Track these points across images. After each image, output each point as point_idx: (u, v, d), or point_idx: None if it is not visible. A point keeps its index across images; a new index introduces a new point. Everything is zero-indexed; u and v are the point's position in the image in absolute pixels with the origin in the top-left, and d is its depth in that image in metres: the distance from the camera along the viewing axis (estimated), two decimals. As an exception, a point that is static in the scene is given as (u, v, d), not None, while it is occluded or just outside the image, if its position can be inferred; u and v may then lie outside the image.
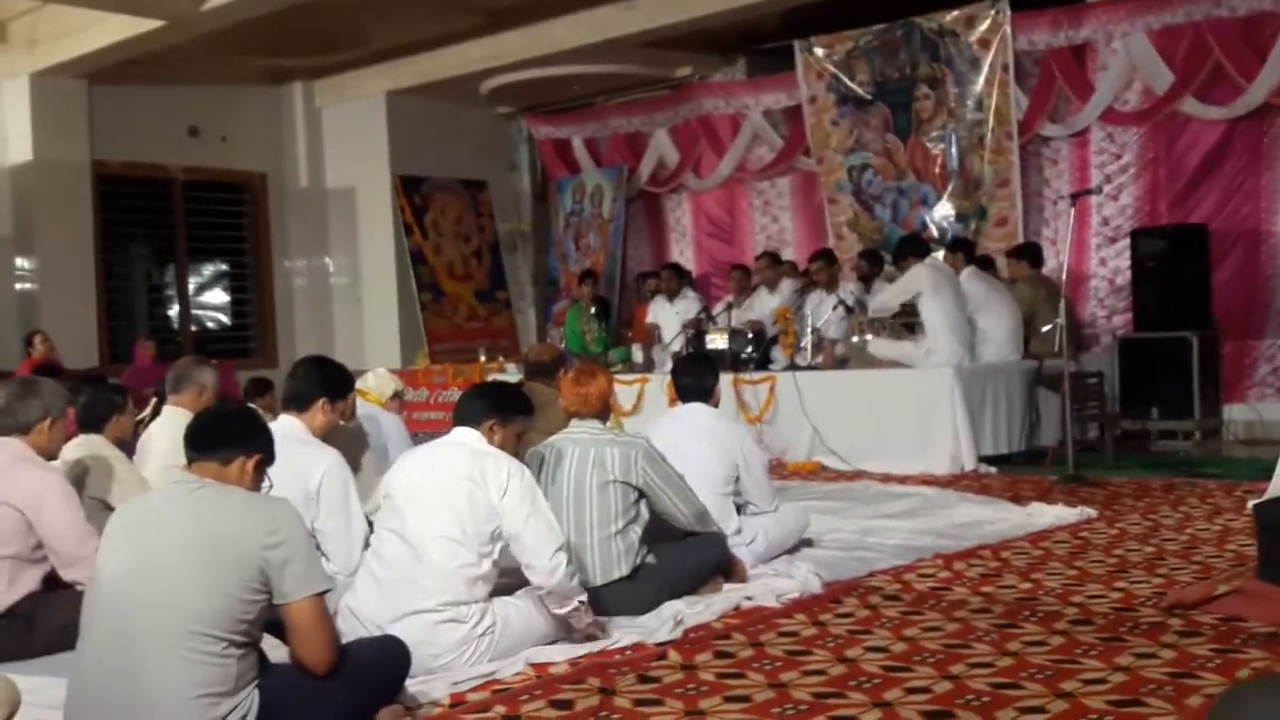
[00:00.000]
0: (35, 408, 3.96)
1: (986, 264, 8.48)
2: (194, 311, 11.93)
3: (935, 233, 9.36)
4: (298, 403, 4.14)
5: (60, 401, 4.05)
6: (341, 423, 4.45)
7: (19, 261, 10.34)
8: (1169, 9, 8.41)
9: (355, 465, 4.43)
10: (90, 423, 4.50)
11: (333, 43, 10.69)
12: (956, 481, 6.79)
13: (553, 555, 3.48)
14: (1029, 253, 8.47)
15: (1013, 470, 7.12)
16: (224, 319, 12.38)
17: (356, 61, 11.37)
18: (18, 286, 10.35)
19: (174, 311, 11.84)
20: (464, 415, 3.71)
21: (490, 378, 9.36)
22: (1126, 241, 8.55)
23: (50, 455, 4.02)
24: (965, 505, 5.98)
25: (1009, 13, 8.85)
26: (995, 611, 3.89)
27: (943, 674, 3.25)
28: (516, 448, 3.79)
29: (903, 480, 6.92)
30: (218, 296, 12.34)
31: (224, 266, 12.24)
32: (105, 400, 4.60)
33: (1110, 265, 8.89)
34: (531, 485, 3.57)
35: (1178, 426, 7.93)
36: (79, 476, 4.23)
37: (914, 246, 7.98)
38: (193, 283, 11.94)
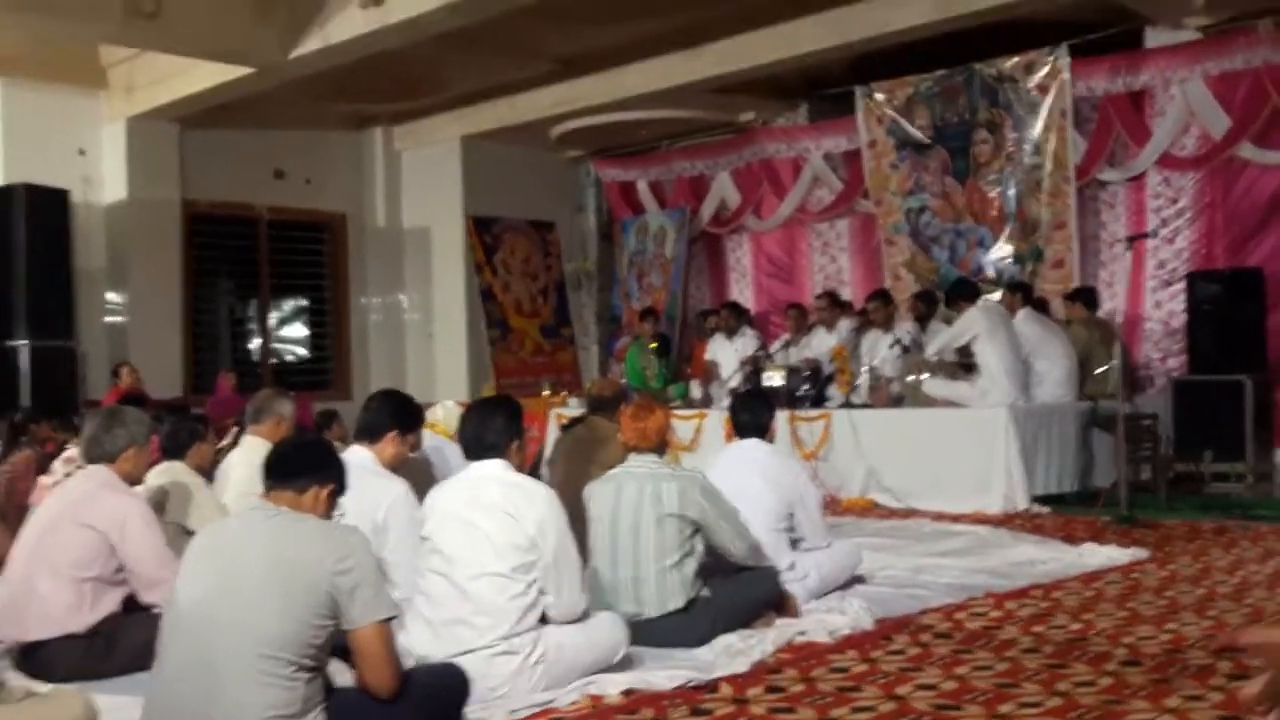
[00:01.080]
0: (121, 437, 4.08)
1: (1041, 306, 8.56)
2: (274, 345, 12.29)
3: (992, 274, 9.45)
4: (370, 434, 4.21)
5: (144, 430, 4.16)
6: (410, 454, 4.55)
7: (110, 295, 10.75)
8: (1227, 55, 8.48)
9: (422, 495, 4.55)
10: (173, 450, 4.63)
11: (412, 89, 11.08)
12: (1009, 521, 6.78)
13: (582, 590, 3.64)
14: (1084, 296, 8.55)
15: (1066, 510, 7.10)
16: (302, 352, 12.73)
17: (434, 107, 11.77)
18: (108, 320, 10.75)
19: (255, 345, 12.21)
20: (485, 445, 3.67)
21: (553, 412, 9.66)
22: (1182, 285, 8.58)
23: (135, 481, 4.15)
24: (1018, 545, 5.99)
25: (1068, 59, 8.97)
26: (1045, 651, 3.90)
27: (992, 713, 3.25)
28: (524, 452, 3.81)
29: (955, 519, 6.91)
30: (297, 330, 12.69)
31: (304, 302, 12.61)
32: (188, 429, 4.73)
33: (1165, 308, 8.91)
34: (562, 511, 3.61)
35: (1230, 469, 7.86)
36: (160, 502, 4.34)
37: (965, 289, 8.07)
38: (273, 317, 12.30)
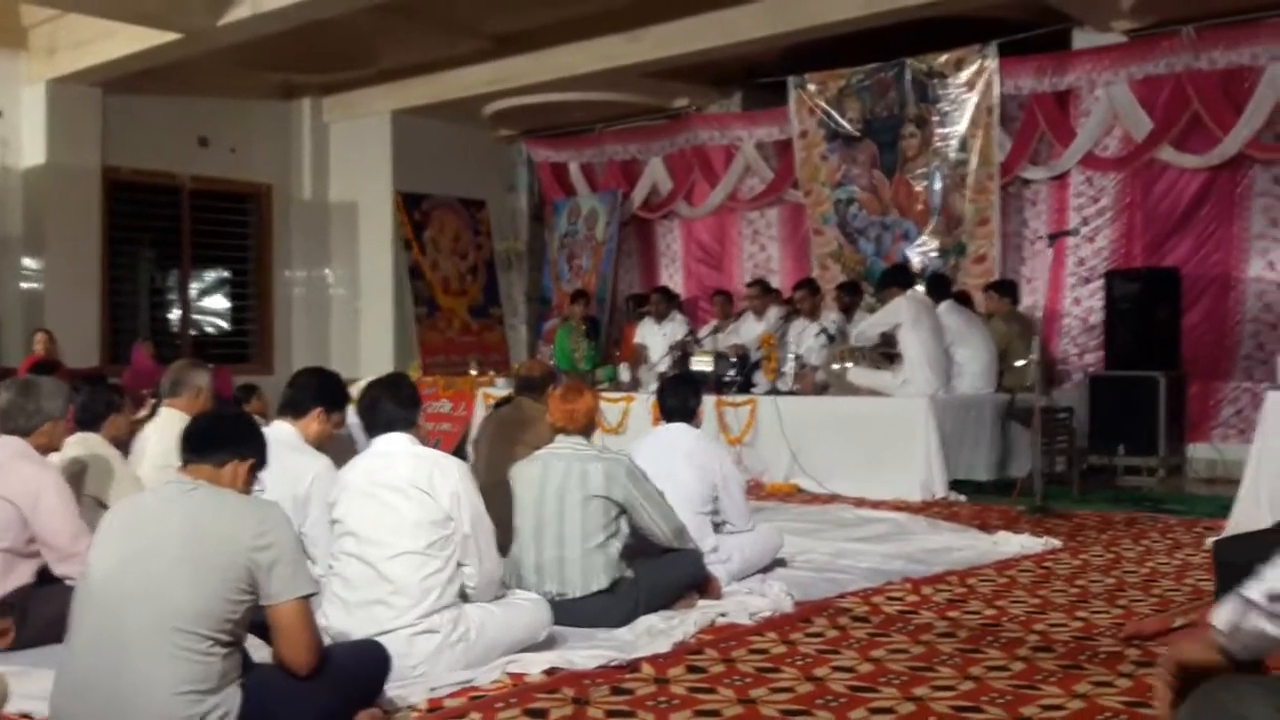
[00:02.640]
0: (36, 413, 4.03)
1: (964, 299, 8.71)
2: (194, 316, 12.09)
3: (916, 267, 9.60)
4: (294, 409, 4.19)
5: (61, 403, 4.11)
6: (335, 431, 4.52)
7: (26, 261, 10.51)
8: (1151, 59, 8.65)
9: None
10: (88, 421, 4.54)
11: (342, 61, 10.94)
12: (927, 508, 6.88)
13: (497, 560, 3.65)
14: (1005, 288, 8.72)
15: (982, 499, 7.23)
16: (224, 324, 12.52)
17: (365, 80, 11.64)
18: (24, 285, 10.51)
19: (175, 315, 12.00)
20: (382, 419, 3.67)
21: (480, 391, 9.62)
22: (1101, 282, 8.75)
23: (50, 451, 4.10)
24: (935, 532, 6.09)
25: (996, 57, 9.11)
26: (960, 636, 3.97)
27: (907, 695, 3.31)
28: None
29: (875, 505, 7.00)
30: (218, 302, 12.48)
31: (226, 274, 12.41)
32: (104, 400, 4.64)
33: (1084, 305, 9.10)
34: (474, 482, 3.62)
35: (1142, 463, 8.08)
36: (76, 474, 4.27)
37: (899, 277, 8.19)
38: (194, 288, 12.10)
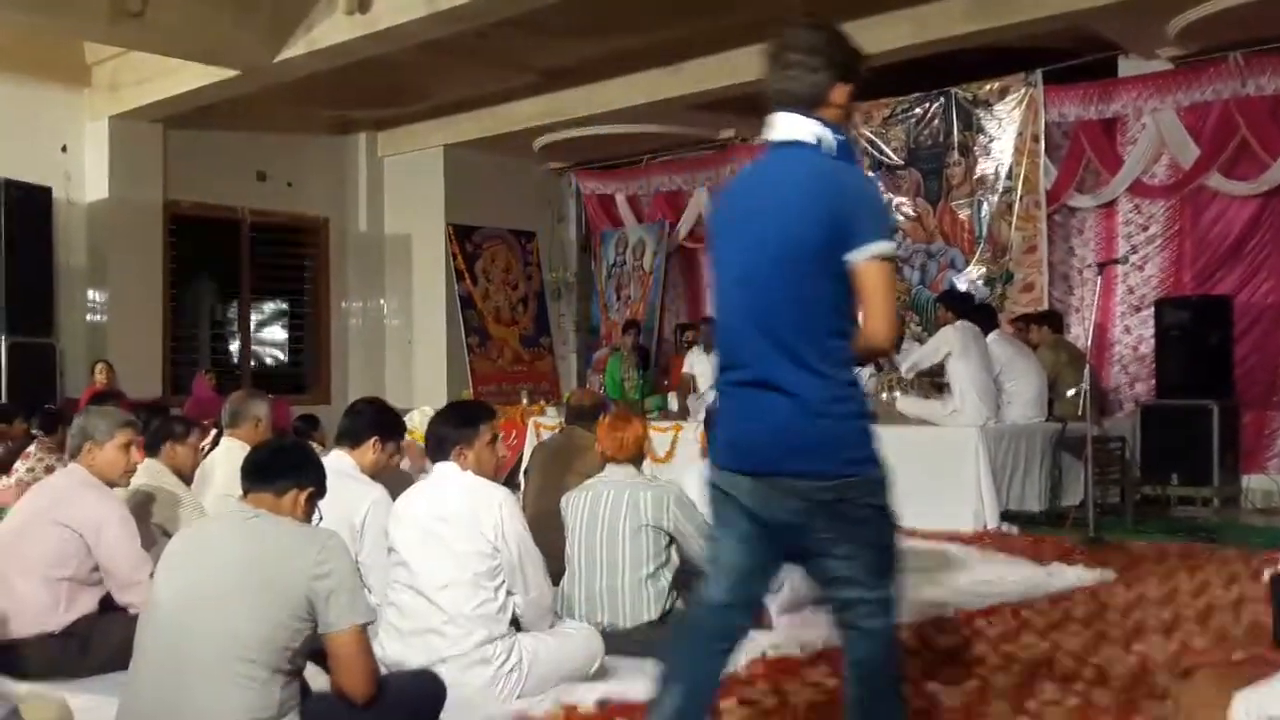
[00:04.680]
0: (78, 436, 4.09)
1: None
2: (254, 347, 12.32)
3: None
4: (351, 438, 4.21)
5: (103, 424, 4.11)
6: (395, 461, 4.57)
7: (91, 294, 10.75)
8: (1198, 86, 8.62)
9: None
10: (149, 448, 4.58)
11: (396, 97, 11.17)
12: (979, 539, 6.81)
13: (548, 587, 3.68)
14: (1049, 319, 8.67)
15: (1034, 530, 7.13)
16: (281, 355, 12.78)
17: (418, 115, 11.86)
18: (89, 318, 10.75)
19: (235, 346, 12.23)
20: (436, 448, 3.70)
21: (531, 421, 9.71)
22: (1151, 310, 8.70)
23: (108, 477, 4.10)
24: (987, 563, 6.04)
25: (1041, 85, 9.12)
26: (1013, 670, 3.93)
27: None
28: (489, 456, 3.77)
29: (926, 536, 6.86)
30: (277, 334, 12.75)
31: (284, 305, 12.65)
32: (165, 429, 4.73)
33: (1134, 333, 9.04)
34: (519, 511, 3.63)
35: (1196, 493, 7.96)
36: (141, 502, 4.34)
37: (957, 301, 8.14)
38: (254, 320, 12.33)
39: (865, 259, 2.43)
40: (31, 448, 6.34)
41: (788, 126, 2.56)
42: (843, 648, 2.60)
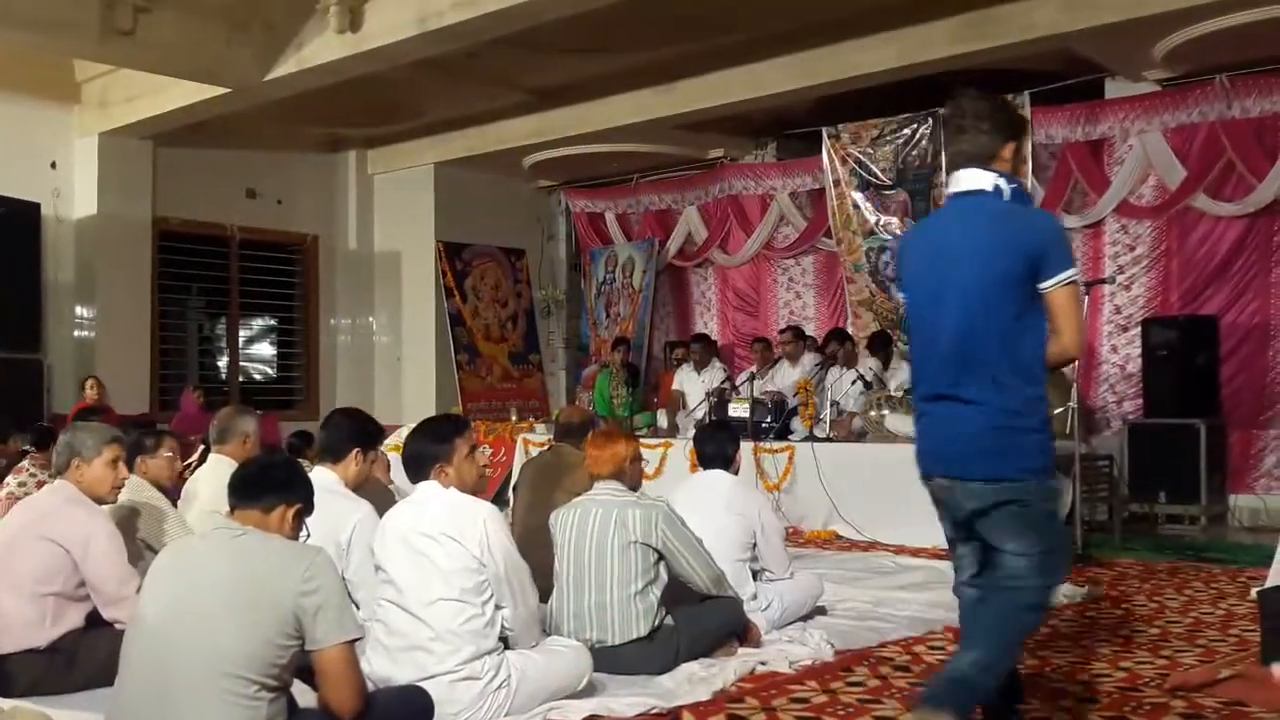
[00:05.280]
0: (64, 453, 4.08)
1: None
2: (242, 363, 12.30)
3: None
4: (333, 454, 4.23)
5: (90, 440, 4.09)
6: (374, 475, 4.60)
7: (79, 310, 10.72)
8: (1184, 108, 8.70)
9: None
10: (127, 463, 4.47)
11: (386, 115, 11.18)
12: (967, 556, 6.95)
13: (535, 602, 3.68)
14: None
15: (1022, 547, 7.26)
16: (270, 371, 12.74)
17: (408, 133, 11.89)
18: (76, 334, 10.72)
19: (223, 362, 12.22)
20: (416, 467, 3.66)
21: (520, 438, 9.71)
22: (1138, 330, 8.75)
23: (97, 494, 4.09)
24: None
25: (1029, 107, 9.14)
26: (1003, 686, 4.05)
27: None
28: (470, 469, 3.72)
29: (915, 553, 6.97)
30: (265, 350, 12.72)
31: (273, 322, 12.63)
32: (135, 443, 4.61)
33: (1121, 352, 9.10)
34: (504, 524, 3.61)
35: (1184, 511, 8.02)
36: (125, 518, 4.32)
37: None
38: (242, 336, 12.31)
39: (1057, 286, 2.93)
40: (24, 463, 6.33)
41: (970, 179, 3.05)
42: (988, 604, 3.06)
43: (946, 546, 3.23)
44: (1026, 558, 2.94)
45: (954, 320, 2.99)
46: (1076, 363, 7.44)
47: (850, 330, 9.86)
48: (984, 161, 3.06)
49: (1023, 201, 3.09)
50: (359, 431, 4.31)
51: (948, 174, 3.17)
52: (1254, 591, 4.65)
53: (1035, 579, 2.96)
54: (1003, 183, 3.02)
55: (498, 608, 3.58)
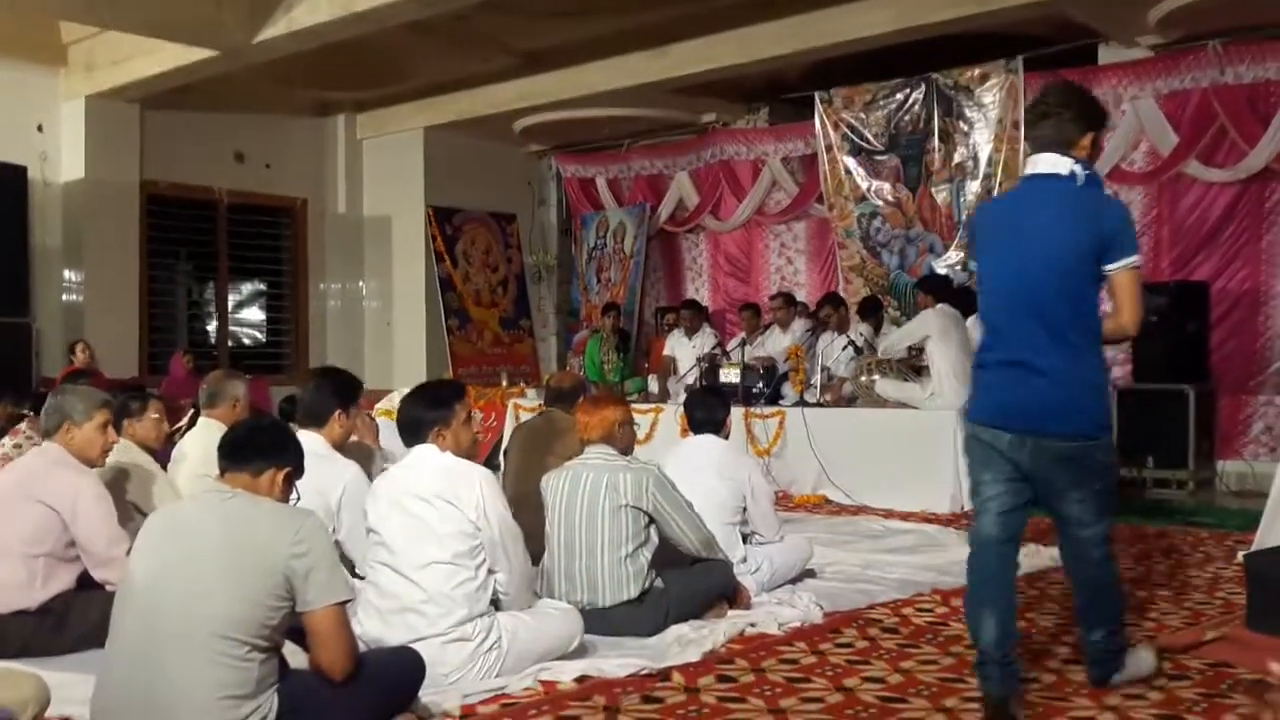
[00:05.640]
0: (54, 416, 4.09)
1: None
2: (231, 328, 12.26)
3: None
4: (316, 418, 4.28)
5: (81, 404, 4.11)
6: (366, 441, 4.61)
7: (67, 274, 10.68)
8: (1176, 74, 8.67)
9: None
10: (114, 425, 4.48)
11: (376, 78, 11.11)
12: (956, 520, 6.86)
13: (528, 566, 3.71)
14: None
15: (1010, 512, 7.31)
16: (259, 336, 12.71)
17: (397, 97, 11.81)
18: (65, 298, 10.68)
19: (212, 327, 12.17)
20: (412, 431, 3.68)
21: (511, 402, 9.72)
22: (1127, 294, 8.78)
23: (87, 457, 4.11)
24: (964, 544, 5.95)
25: (1022, 72, 9.14)
26: (990, 648, 4.07)
27: (937, 706, 3.35)
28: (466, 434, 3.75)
29: (904, 517, 7.04)
30: (254, 314, 12.68)
31: (262, 286, 12.59)
32: (121, 405, 4.63)
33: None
34: (499, 489, 3.64)
35: (1172, 476, 8.06)
36: (115, 480, 4.34)
37: (936, 284, 8.18)
38: (231, 300, 12.27)
39: (1122, 269, 3.21)
40: (22, 425, 6.30)
41: (1049, 163, 3.29)
42: (1069, 566, 3.46)
43: (974, 487, 3.42)
44: (1087, 503, 3.27)
45: (1030, 291, 3.24)
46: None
47: (842, 295, 9.85)
48: (1064, 148, 3.27)
49: (1097, 187, 3.31)
50: (340, 391, 4.36)
51: (1029, 155, 3.40)
52: (1240, 555, 4.68)
53: (1098, 523, 3.32)
54: (1079, 169, 3.25)
55: (490, 572, 3.61)
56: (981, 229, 3.55)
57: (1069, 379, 3.22)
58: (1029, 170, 3.37)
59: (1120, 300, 3.23)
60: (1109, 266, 3.20)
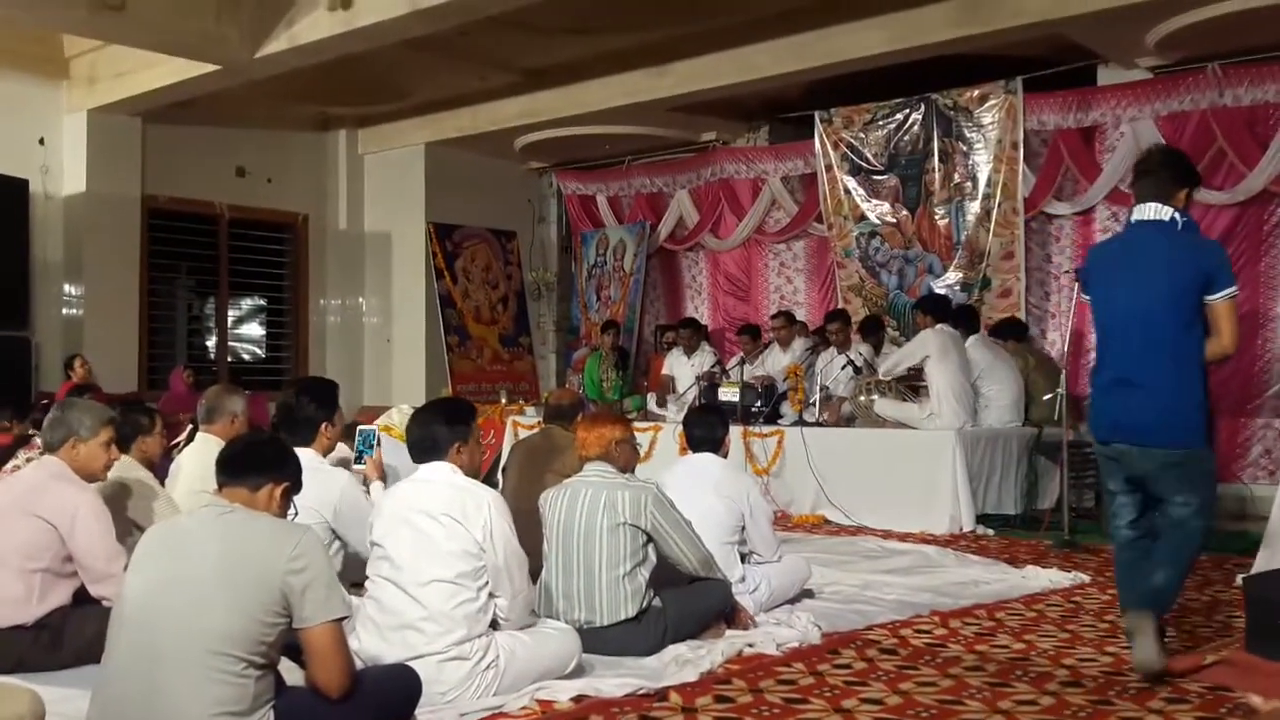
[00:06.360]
0: (61, 428, 4.08)
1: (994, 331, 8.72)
2: (231, 343, 12.25)
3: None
4: (304, 436, 4.31)
5: (88, 420, 4.11)
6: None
7: (67, 288, 10.67)
8: (1175, 96, 8.69)
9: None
10: (118, 443, 4.47)
11: (377, 94, 11.13)
12: (955, 541, 6.89)
13: (530, 590, 3.70)
14: (1009, 330, 8.68)
15: (1009, 533, 7.22)
16: (259, 351, 12.70)
17: (399, 113, 11.83)
18: (64, 312, 10.66)
19: (212, 342, 12.16)
20: (427, 447, 3.68)
21: (510, 420, 9.72)
22: (1127, 317, 8.80)
23: (88, 473, 4.10)
24: (963, 565, 6.11)
25: (1021, 93, 9.16)
26: (988, 670, 3.99)
27: None
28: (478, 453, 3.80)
29: (903, 537, 7.02)
30: (254, 330, 12.68)
31: (262, 301, 12.58)
32: (131, 421, 4.66)
33: (1110, 339, 9.13)
34: (507, 513, 3.64)
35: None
36: (114, 496, 4.32)
37: (936, 305, 8.19)
38: (231, 315, 12.26)
39: (1222, 299, 3.76)
40: (37, 439, 6.26)
41: (1154, 210, 3.86)
42: (1161, 532, 3.90)
43: (1107, 497, 4.08)
44: (1190, 506, 3.79)
45: (1142, 319, 3.79)
46: (1066, 349, 7.52)
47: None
48: (1164, 199, 3.85)
49: (1195, 231, 3.95)
50: (322, 403, 4.45)
51: (1134, 204, 3.96)
52: (1239, 578, 4.68)
53: (1197, 521, 3.82)
54: (1178, 216, 3.85)
55: (491, 596, 3.59)
56: (1095, 266, 4.12)
57: (1175, 396, 3.75)
58: (1136, 217, 3.92)
59: (1220, 326, 3.75)
60: (1210, 297, 3.74)
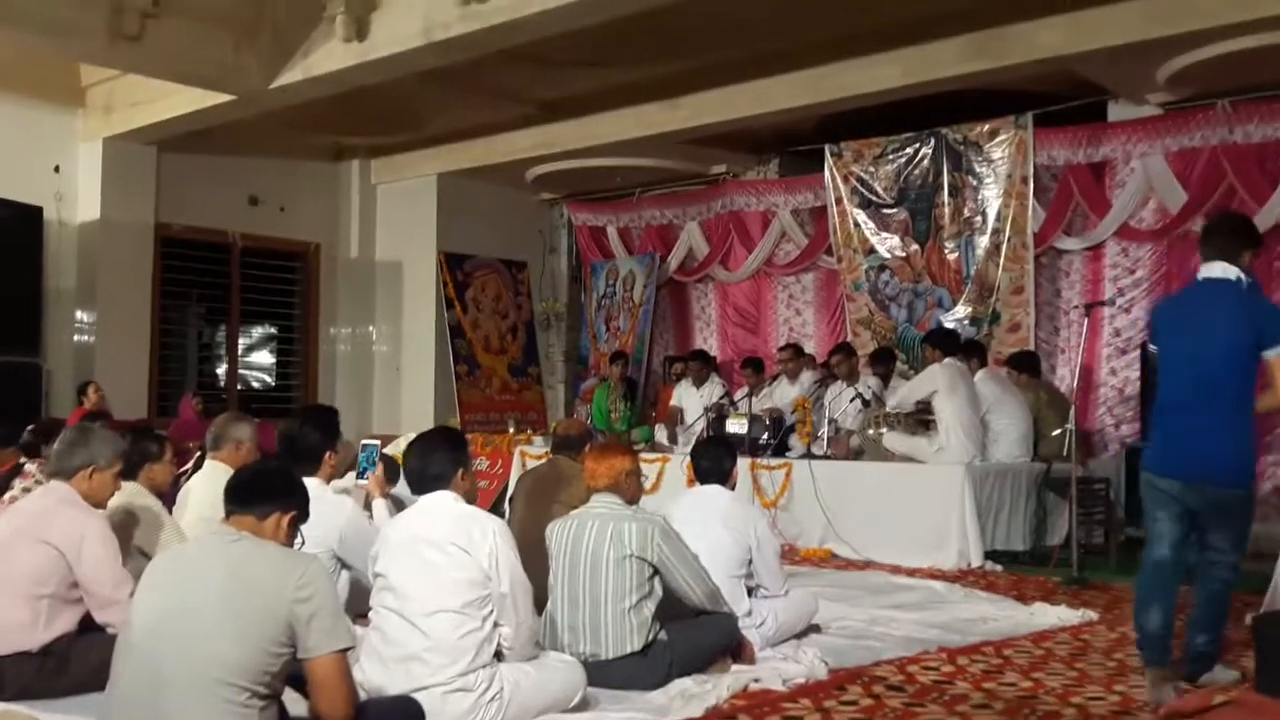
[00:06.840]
0: (79, 456, 4.08)
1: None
2: (240, 371, 12.29)
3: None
4: (310, 467, 4.33)
5: (107, 450, 4.14)
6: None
7: (79, 314, 10.72)
8: (1186, 132, 8.70)
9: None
10: (126, 470, 4.49)
11: (390, 125, 11.21)
12: (963, 577, 6.85)
13: (534, 620, 3.69)
14: (1024, 363, 8.64)
15: (1018, 569, 7.17)
16: (269, 379, 12.74)
17: (411, 143, 11.91)
18: (76, 338, 10.71)
19: (222, 370, 12.20)
20: (430, 477, 3.67)
21: (518, 450, 9.71)
22: (1136, 353, 8.74)
23: (96, 501, 4.11)
24: (971, 601, 6.07)
25: (1031, 128, 9.18)
26: (996, 708, 3.97)
27: None
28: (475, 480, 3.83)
29: (911, 573, 6.98)
30: (264, 358, 12.70)
31: (272, 329, 12.61)
32: (140, 449, 4.65)
33: (1120, 375, 9.08)
34: (512, 541, 3.63)
35: (1180, 535, 8.04)
36: (121, 523, 4.32)
37: (945, 340, 8.18)
38: (241, 343, 12.30)
39: (1277, 355, 4.05)
40: (32, 466, 6.27)
41: (1221, 269, 4.20)
42: (1199, 578, 4.28)
43: (1149, 523, 4.28)
44: (1229, 539, 4.18)
45: (1203, 368, 4.12)
46: (1075, 385, 7.50)
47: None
48: (1231, 259, 4.20)
49: (1257, 291, 4.27)
50: (325, 433, 4.49)
51: (1202, 262, 4.28)
52: (1249, 617, 4.61)
53: (1233, 554, 4.21)
54: (1242, 276, 4.20)
55: (496, 625, 3.57)
56: (1163, 317, 4.49)
57: (1230, 439, 4.10)
58: (1203, 274, 4.26)
59: (1274, 379, 4.06)
60: (1267, 353, 4.05)
